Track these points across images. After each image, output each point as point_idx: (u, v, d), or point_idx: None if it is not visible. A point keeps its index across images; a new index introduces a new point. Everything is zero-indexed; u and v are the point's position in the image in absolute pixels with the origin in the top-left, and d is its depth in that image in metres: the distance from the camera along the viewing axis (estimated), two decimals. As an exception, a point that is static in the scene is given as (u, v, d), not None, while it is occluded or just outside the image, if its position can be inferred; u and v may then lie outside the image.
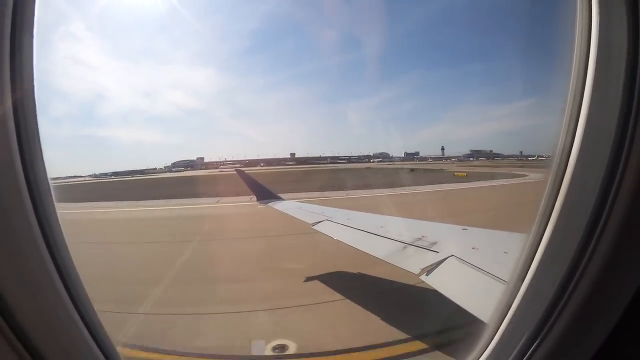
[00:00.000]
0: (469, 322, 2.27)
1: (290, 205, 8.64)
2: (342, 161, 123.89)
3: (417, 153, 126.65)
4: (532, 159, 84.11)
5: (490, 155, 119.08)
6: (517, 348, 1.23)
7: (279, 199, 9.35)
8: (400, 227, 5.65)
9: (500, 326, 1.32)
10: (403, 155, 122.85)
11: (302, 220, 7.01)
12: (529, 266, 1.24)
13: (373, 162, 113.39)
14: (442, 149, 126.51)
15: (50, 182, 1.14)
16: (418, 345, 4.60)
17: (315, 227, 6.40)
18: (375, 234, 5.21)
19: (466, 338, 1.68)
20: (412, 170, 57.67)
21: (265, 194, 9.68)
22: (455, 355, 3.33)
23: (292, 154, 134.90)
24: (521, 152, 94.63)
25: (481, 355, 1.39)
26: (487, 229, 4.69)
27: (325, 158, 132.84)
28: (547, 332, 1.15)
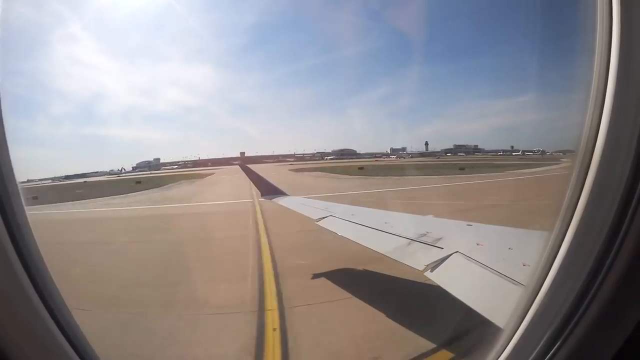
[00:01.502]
0: (481, 324, 2.21)
1: (294, 201, 8.59)
2: (290, 160, 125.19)
3: (404, 149, 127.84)
4: (517, 154, 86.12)
5: (471, 151, 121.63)
6: (534, 353, 1.20)
7: (284, 194, 9.32)
8: (405, 222, 5.62)
9: (517, 330, 1.29)
10: (388, 151, 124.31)
11: (306, 216, 6.94)
12: (550, 267, 1.21)
13: (326, 159, 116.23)
14: (426, 144, 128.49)
15: (19, 183, 1.14)
16: (429, 346, 4.43)
17: (319, 224, 6.37)
18: (380, 230, 5.18)
19: (480, 340, 1.64)
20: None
21: (269, 190, 9.65)
22: (469, 358, 3.29)
23: (242, 153, 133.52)
24: (512, 147, 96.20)
25: (497, 359, 1.36)
26: (492, 224, 4.78)
27: (277, 156, 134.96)
28: (566, 337, 1.13)
